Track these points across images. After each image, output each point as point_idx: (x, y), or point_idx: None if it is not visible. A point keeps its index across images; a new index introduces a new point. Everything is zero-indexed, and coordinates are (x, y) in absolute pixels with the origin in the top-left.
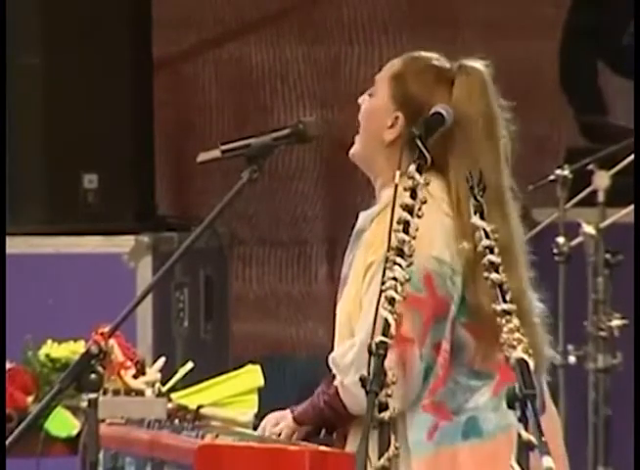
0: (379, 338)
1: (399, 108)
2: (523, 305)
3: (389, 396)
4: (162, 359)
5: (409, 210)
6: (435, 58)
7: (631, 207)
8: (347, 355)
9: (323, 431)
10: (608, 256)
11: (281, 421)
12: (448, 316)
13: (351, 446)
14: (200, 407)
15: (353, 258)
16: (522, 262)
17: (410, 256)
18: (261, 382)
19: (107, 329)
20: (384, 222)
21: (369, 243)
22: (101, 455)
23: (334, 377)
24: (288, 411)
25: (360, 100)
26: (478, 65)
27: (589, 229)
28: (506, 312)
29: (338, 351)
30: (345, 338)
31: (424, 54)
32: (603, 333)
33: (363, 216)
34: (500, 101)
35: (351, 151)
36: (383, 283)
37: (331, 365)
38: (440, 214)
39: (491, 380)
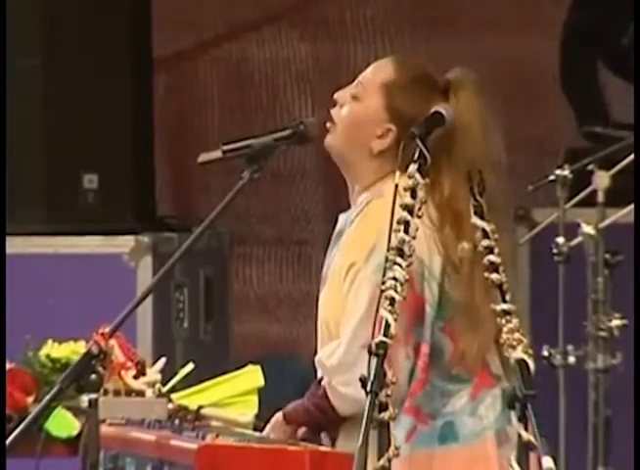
0: (379, 338)
1: (392, 119)
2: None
3: (389, 396)
4: (163, 360)
5: (409, 210)
6: (427, 65)
7: (631, 207)
8: (333, 357)
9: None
10: (607, 256)
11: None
12: (426, 318)
13: (341, 448)
14: (200, 408)
15: (333, 259)
16: (509, 275)
17: (410, 256)
18: (261, 382)
19: (107, 329)
20: (363, 224)
21: (349, 244)
22: (101, 456)
23: (322, 378)
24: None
25: (337, 96)
26: (469, 73)
27: (588, 229)
28: (506, 312)
29: (324, 352)
30: (326, 340)
31: (414, 60)
32: (603, 333)
33: (343, 218)
34: (490, 110)
35: (328, 141)
36: (383, 283)
37: (317, 367)
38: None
39: (468, 383)
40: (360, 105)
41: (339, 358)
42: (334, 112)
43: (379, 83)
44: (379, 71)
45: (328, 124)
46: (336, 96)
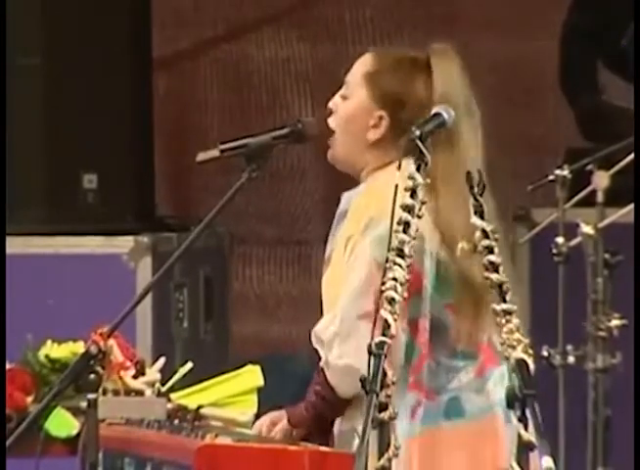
0: (379, 338)
1: (382, 106)
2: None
3: (389, 396)
4: (162, 360)
5: (409, 210)
6: (403, 49)
7: (630, 206)
8: (329, 329)
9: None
10: (607, 256)
11: (277, 423)
12: (423, 293)
13: (340, 430)
14: (199, 407)
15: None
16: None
17: (410, 256)
18: (261, 382)
19: (106, 329)
20: (362, 199)
21: (349, 218)
22: (100, 456)
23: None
24: (284, 412)
25: (331, 104)
26: (447, 47)
27: (587, 229)
28: (506, 312)
29: (320, 324)
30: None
31: (392, 48)
32: (602, 333)
33: (346, 197)
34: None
35: (330, 155)
36: (383, 283)
37: (313, 340)
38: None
39: (474, 360)
40: (349, 102)
41: (334, 330)
42: (330, 120)
43: (360, 76)
44: (359, 66)
45: (328, 141)
46: (329, 105)
